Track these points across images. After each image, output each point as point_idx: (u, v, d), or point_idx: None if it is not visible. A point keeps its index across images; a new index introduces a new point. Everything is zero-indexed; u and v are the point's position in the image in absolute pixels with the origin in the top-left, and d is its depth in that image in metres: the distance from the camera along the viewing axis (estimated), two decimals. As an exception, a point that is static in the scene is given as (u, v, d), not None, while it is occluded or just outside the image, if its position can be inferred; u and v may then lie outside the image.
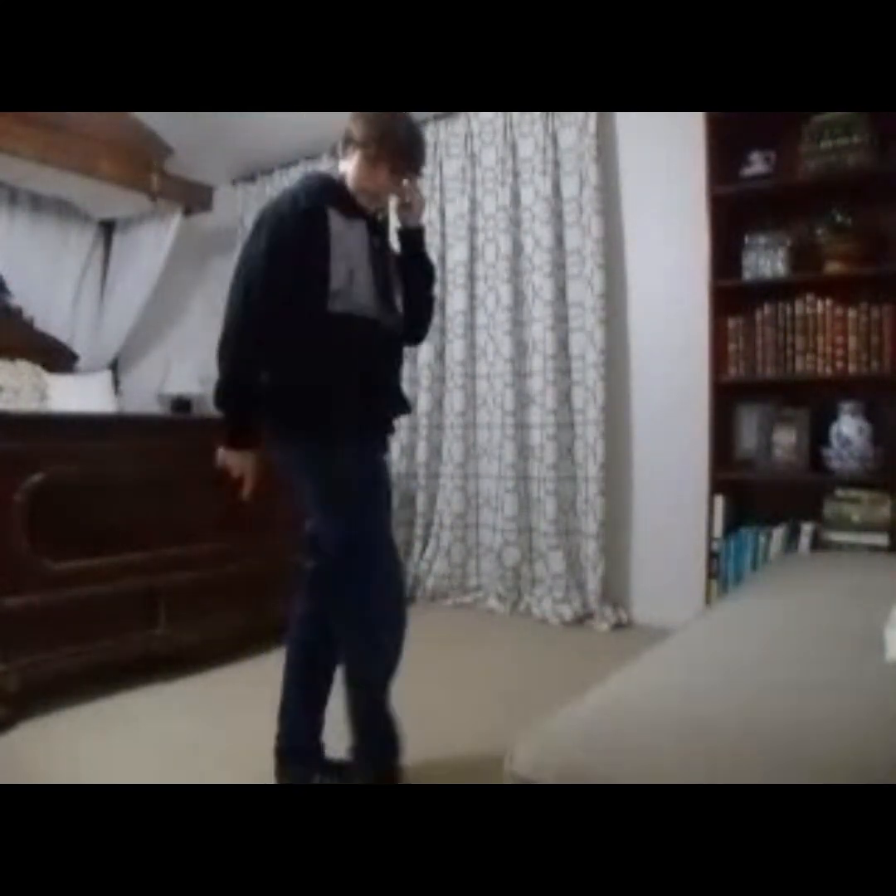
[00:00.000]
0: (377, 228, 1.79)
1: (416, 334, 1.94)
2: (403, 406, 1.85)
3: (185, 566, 2.63)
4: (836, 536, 2.67)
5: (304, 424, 1.66)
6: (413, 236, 1.88)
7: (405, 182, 1.80)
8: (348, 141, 1.73)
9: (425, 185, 3.88)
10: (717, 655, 1.32)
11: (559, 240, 3.47)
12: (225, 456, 1.74)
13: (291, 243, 1.61)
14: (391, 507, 1.85)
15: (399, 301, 1.82)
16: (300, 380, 1.66)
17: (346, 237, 1.67)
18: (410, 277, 1.86)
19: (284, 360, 1.66)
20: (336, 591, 1.70)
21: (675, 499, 3.24)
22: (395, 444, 3.73)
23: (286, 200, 1.66)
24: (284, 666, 1.85)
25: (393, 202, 1.85)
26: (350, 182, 1.73)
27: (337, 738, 1.84)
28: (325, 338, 1.66)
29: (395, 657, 1.73)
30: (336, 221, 1.66)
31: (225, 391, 1.68)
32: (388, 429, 1.86)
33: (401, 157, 1.72)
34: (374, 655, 1.71)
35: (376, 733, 1.73)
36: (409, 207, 1.85)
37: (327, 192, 1.71)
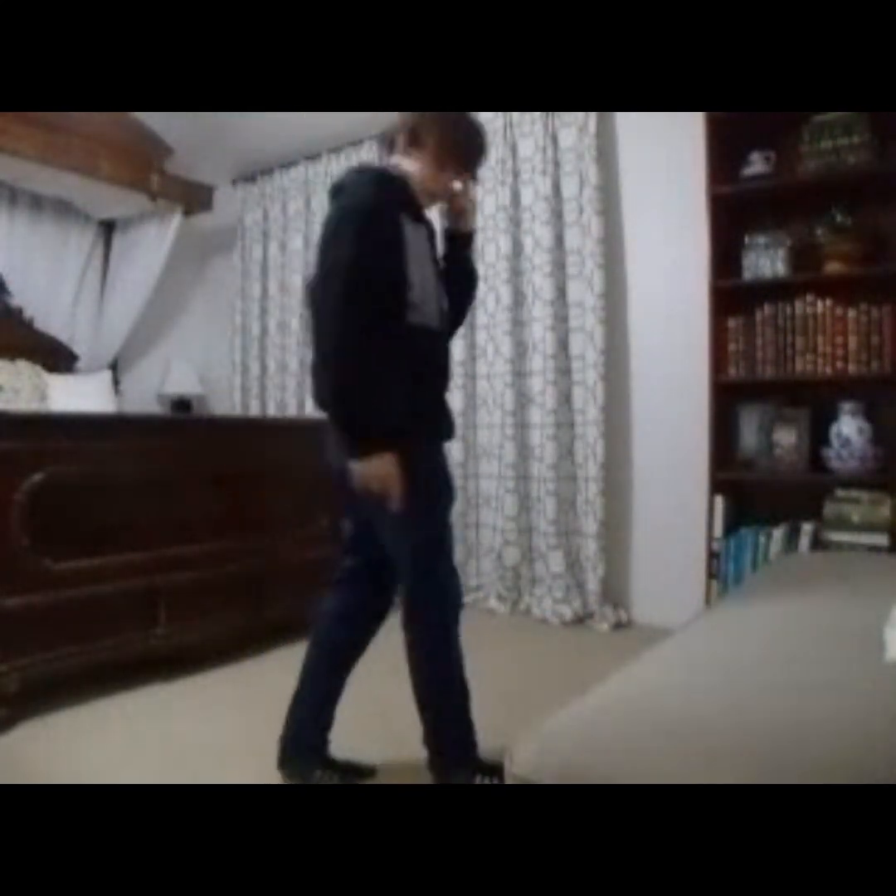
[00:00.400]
0: (432, 233, 1.73)
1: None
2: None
3: (185, 566, 2.63)
4: (836, 536, 2.67)
5: (391, 434, 1.60)
6: (465, 241, 1.83)
7: (458, 184, 1.74)
8: (414, 140, 1.66)
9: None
10: (717, 655, 1.32)
11: (559, 240, 3.47)
12: (359, 468, 1.58)
13: (380, 246, 1.54)
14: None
15: (446, 306, 1.77)
16: (385, 390, 1.58)
17: (416, 243, 1.60)
18: (456, 282, 1.81)
19: (372, 369, 1.57)
20: (417, 591, 1.71)
21: (675, 499, 3.24)
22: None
23: (365, 198, 1.57)
24: (305, 658, 1.84)
25: (444, 204, 1.81)
26: (415, 183, 1.65)
27: (340, 737, 1.85)
28: (405, 350, 1.61)
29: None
30: (407, 226, 1.59)
31: (339, 401, 1.57)
32: (451, 435, 1.83)
33: (469, 158, 1.69)
34: (454, 651, 1.74)
35: (468, 731, 1.75)
36: (463, 210, 1.80)
37: (397, 193, 1.63)
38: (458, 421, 3.74)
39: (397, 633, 1.75)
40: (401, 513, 1.63)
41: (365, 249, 1.51)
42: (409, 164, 1.68)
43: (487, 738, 1.75)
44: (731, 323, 2.95)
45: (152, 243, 4.29)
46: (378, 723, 1.90)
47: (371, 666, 1.85)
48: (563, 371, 3.47)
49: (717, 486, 2.92)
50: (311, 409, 4.27)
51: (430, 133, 1.65)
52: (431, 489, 1.70)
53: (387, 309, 1.57)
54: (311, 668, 1.83)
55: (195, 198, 4.27)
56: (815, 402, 2.85)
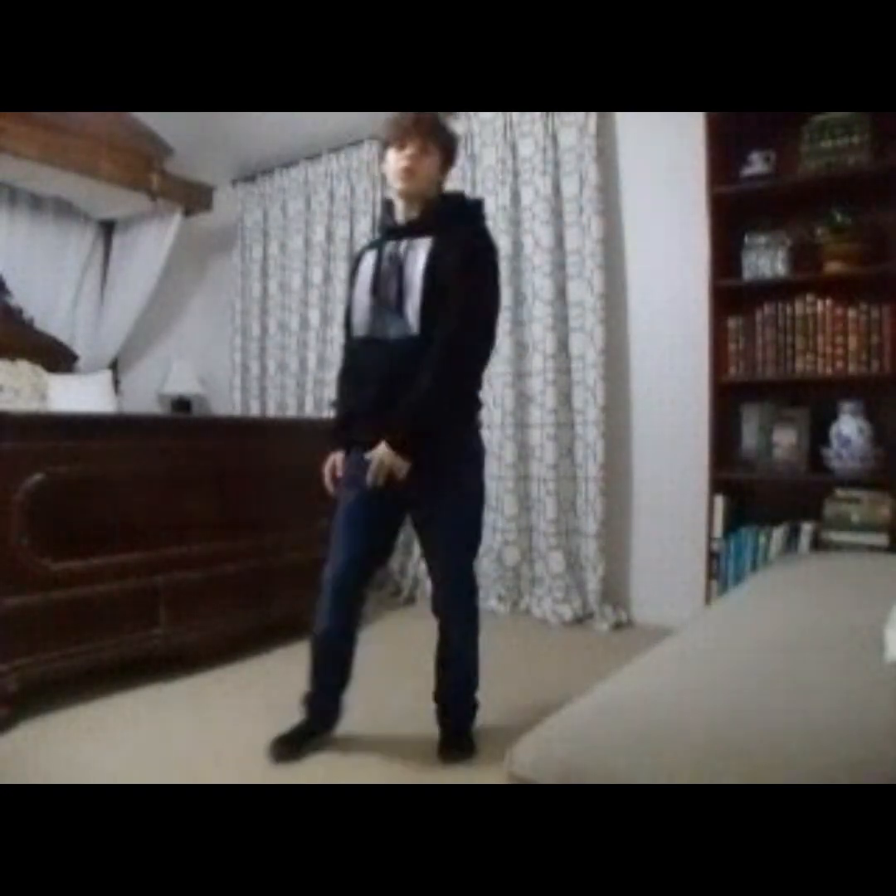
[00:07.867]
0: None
1: None
2: None
3: (186, 566, 2.63)
4: (836, 536, 2.67)
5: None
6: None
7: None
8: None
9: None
10: (717, 655, 1.32)
11: (559, 240, 3.47)
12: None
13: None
14: None
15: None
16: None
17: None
18: None
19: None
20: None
21: (675, 499, 3.24)
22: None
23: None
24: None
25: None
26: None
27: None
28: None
29: None
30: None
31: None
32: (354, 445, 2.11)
33: (385, 133, 1.89)
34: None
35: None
36: None
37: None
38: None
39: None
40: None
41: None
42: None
43: (488, 739, 1.75)
44: (731, 323, 2.94)
45: (152, 243, 4.29)
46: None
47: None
48: (563, 371, 3.47)
49: (717, 485, 2.92)
50: (311, 409, 4.27)
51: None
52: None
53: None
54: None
55: (195, 198, 4.27)
56: (815, 402, 2.85)
